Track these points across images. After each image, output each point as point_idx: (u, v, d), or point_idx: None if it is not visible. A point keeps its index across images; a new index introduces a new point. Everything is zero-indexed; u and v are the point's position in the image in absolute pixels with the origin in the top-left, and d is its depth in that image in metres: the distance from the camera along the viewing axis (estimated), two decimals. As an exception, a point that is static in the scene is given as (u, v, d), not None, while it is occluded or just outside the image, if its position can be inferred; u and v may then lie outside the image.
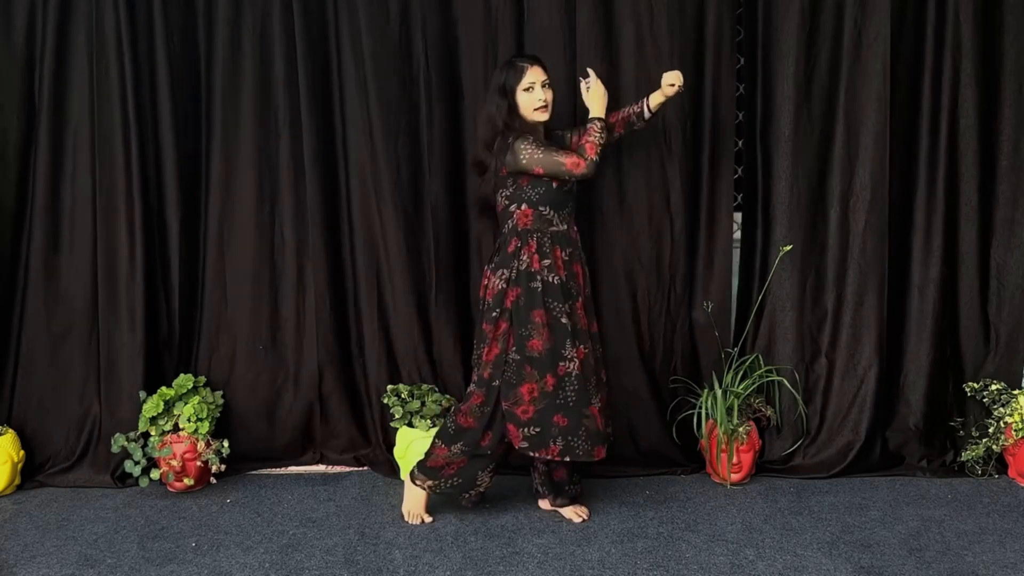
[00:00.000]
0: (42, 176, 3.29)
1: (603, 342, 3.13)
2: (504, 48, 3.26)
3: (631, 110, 2.96)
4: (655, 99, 2.89)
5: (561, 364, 2.75)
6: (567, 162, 2.73)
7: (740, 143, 3.46)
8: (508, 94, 2.80)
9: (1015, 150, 3.33)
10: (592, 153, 2.74)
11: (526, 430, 2.75)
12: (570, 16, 3.24)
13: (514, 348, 2.76)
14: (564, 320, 2.76)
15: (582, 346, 2.79)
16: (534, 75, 2.80)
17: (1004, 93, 3.32)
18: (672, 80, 2.81)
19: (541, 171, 2.75)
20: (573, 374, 2.75)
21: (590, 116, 2.84)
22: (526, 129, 2.80)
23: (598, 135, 2.77)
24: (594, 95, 2.85)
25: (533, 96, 2.79)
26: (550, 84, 2.84)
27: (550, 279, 2.77)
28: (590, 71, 2.89)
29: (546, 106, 2.81)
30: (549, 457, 2.77)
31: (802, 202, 3.33)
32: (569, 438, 2.75)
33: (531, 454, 2.78)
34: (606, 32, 3.27)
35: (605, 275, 3.36)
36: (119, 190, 3.27)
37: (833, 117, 3.32)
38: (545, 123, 2.88)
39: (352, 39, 3.29)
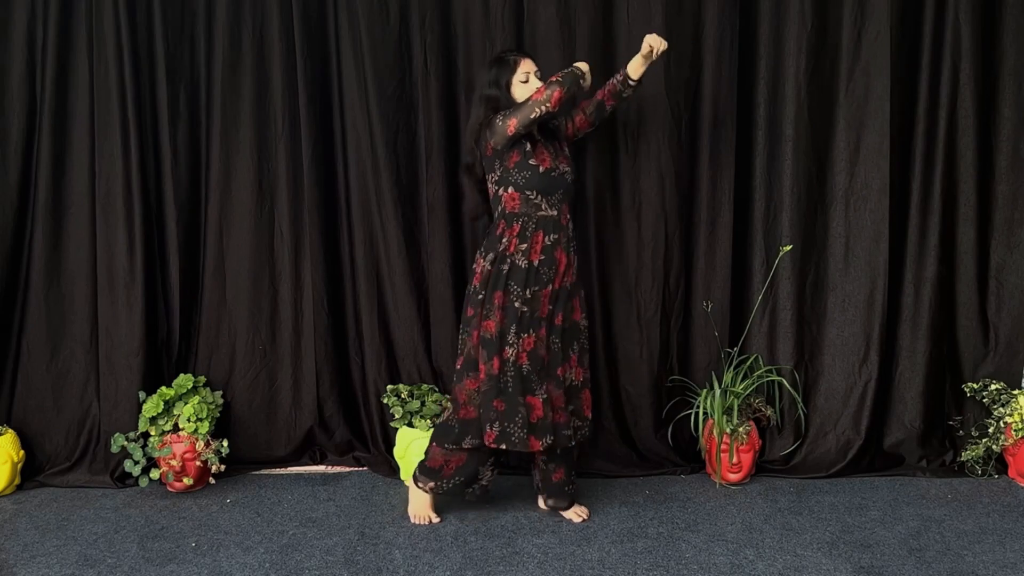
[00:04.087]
0: (43, 177, 3.29)
1: (597, 341, 3.13)
2: (504, 48, 3.25)
3: (615, 80, 2.91)
4: (635, 67, 2.85)
5: (506, 348, 2.74)
6: (533, 99, 2.70)
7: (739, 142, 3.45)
8: (503, 88, 2.79)
9: (1014, 150, 3.33)
10: (553, 78, 2.72)
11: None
12: (569, 15, 3.25)
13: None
14: (517, 304, 2.74)
15: (534, 334, 2.76)
16: (528, 66, 2.81)
17: (1003, 93, 3.32)
18: (652, 44, 2.77)
19: (514, 122, 2.70)
20: (511, 360, 2.74)
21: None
22: None
23: (561, 74, 2.73)
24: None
25: (530, 86, 2.79)
26: (541, 76, 2.84)
27: (519, 263, 2.75)
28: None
29: None
30: (487, 443, 2.75)
31: (802, 201, 3.33)
32: (505, 424, 2.74)
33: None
34: (605, 31, 3.27)
35: (603, 274, 3.37)
36: (119, 190, 3.27)
37: (833, 116, 3.32)
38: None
39: (352, 39, 3.29)
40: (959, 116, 3.30)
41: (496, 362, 2.73)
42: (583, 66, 2.79)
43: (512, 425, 2.74)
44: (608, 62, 3.27)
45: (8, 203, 3.31)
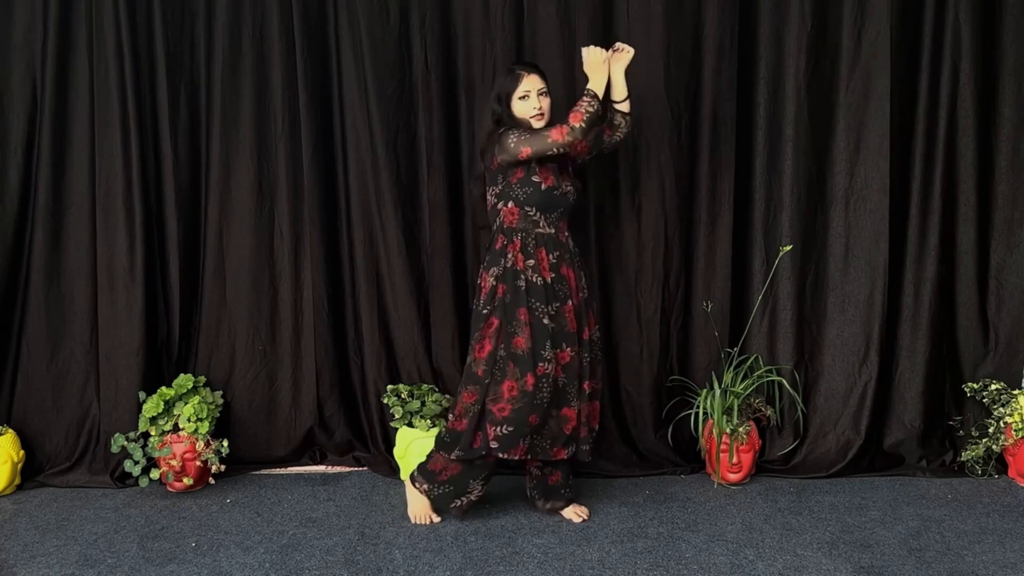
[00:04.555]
0: (43, 177, 3.29)
1: (601, 346, 3.12)
2: (504, 48, 3.26)
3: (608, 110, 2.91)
4: (616, 88, 2.84)
5: (540, 364, 2.72)
6: (551, 133, 2.69)
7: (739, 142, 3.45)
8: (504, 101, 2.78)
9: (1015, 150, 3.33)
10: (575, 120, 2.68)
11: (499, 429, 2.74)
12: (569, 15, 3.25)
13: (502, 344, 2.75)
14: (546, 321, 2.74)
15: (568, 349, 2.77)
16: (530, 83, 2.77)
17: (1003, 93, 3.32)
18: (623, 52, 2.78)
19: (528, 151, 2.69)
20: (550, 375, 2.74)
21: (586, 87, 2.77)
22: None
23: (586, 104, 2.70)
24: (591, 64, 2.77)
25: (528, 104, 2.77)
26: (548, 92, 2.81)
27: (533, 279, 2.75)
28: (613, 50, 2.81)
29: (542, 114, 2.78)
30: (516, 457, 2.76)
31: (802, 202, 3.33)
32: (535, 438, 2.76)
33: (499, 455, 2.76)
34: (605, 31, 3.27)
35: (603, 274, 3.37)
36: (119, 190, 3.27)
37: (833, 116, 3.32)
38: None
39: (352, 39, 3.29)
40: (959, 116, 3.30)
41: (530, 378, 2.72)
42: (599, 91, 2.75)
43: (541, 439, 2.77)
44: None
45: (8, 203, 3.31)
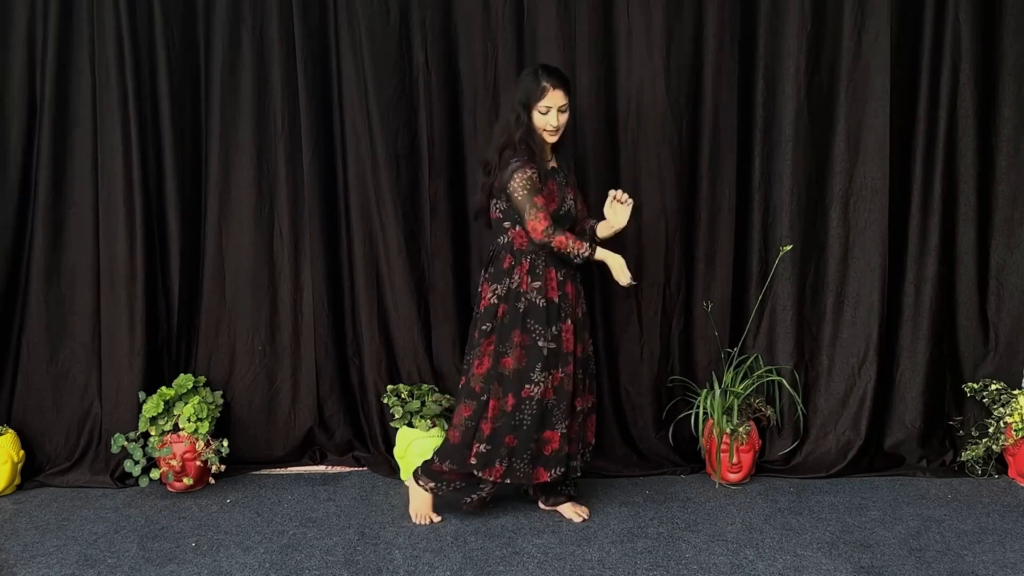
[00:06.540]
0: (43, 176, 3.29)
1: (597, 341, 3.12)
2: (504, 49, 3.26)
3: (589, 225, 2.95)
4: (602, 233, 2.87)
5: (527, 387, 2.73)
6: (532, 222, 2.69)
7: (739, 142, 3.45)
8: (526, 109, 2.74)
9: (1015, 150, 3.33)
10: (557, 243, 2.70)
11: (480, 446, 2.76)
12: (570, 15, 3.25)
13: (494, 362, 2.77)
14: (541, 344, 2.73)
15: (561, 370, 2.77)
16: (554, 99, 2.72)
17: (1003, 93, 3.32)
18: (624, 280, 2.76)
19: (516, 204, 2.72)
20: (535, 398, 2.73)
21: (596, 236, 2.86)
22: (536, 146, 2.75)
23: (579, 253, 2.71)
24: (615, 215, 2.81)
25: (547, 119, 2.74)
26: (568, 108, 2.77)
27: (536, 301, 2.75)
28: (625, 197, 2.82)
29: (557, 131, 2.77)
30: (492, 479, 2.76)
31: (802, 202, 3.33)
32: (513, 460, 2.76)
33: (476, 472, 2.77)
34: (605, 32, 3.27)
35: (603, 274, 3.35)
36: (119, 190, 3.27)
37: (833, 117, 3.32)
38: (559, 142, 2.83)
39: (352, 39, 3.29)
40: (959, 116, 3.30)
41: (511, 399, 2.73)
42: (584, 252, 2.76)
43: (519, 461, 2.76)
44: (608, 62, 3.28)
45: (8, 203, 3.31)
